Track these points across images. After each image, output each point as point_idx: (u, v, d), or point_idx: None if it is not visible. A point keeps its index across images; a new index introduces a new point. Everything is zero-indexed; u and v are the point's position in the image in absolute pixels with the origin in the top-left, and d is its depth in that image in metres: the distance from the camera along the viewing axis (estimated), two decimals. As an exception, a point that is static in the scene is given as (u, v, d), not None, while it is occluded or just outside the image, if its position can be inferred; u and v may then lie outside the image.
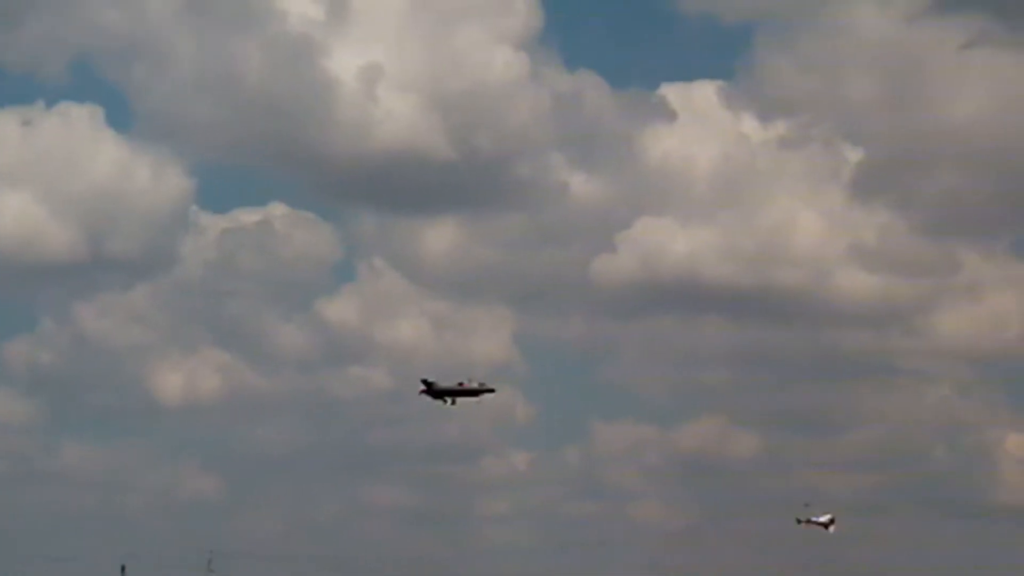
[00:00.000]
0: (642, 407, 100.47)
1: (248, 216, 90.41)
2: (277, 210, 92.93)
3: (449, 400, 60.75)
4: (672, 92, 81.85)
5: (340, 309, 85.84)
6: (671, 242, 78.89)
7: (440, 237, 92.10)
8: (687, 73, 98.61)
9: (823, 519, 60.07)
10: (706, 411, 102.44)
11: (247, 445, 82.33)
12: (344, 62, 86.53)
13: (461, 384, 61.06)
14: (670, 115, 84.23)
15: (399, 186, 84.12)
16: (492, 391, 63.42)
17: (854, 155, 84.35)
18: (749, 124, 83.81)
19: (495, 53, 71.39)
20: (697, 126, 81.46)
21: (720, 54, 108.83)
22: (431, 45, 78.11)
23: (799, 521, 61.43)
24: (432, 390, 59.99)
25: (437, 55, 78.84)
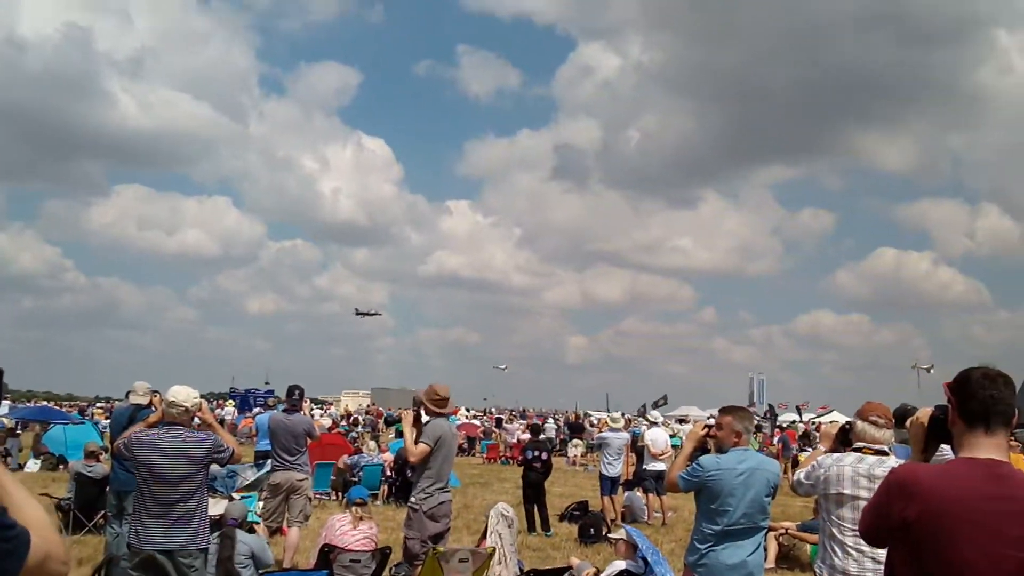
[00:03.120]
0: (429, 319, 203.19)
1: (284, 245, 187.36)
2: (300, 243, 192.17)
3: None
4: (452, 205, 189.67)
5: (324, 282, 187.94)
6: (448, 261, 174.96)
7: (361, 256, 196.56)
8: (458, 197, 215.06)
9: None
10: (458, 325, 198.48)
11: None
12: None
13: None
14: (449, 213, 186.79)
15: (357, 237, 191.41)
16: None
17: (518, 231, 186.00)
18: (479, 218, 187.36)
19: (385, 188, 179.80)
20: (459, 217, 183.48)
21: (471, 190, 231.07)
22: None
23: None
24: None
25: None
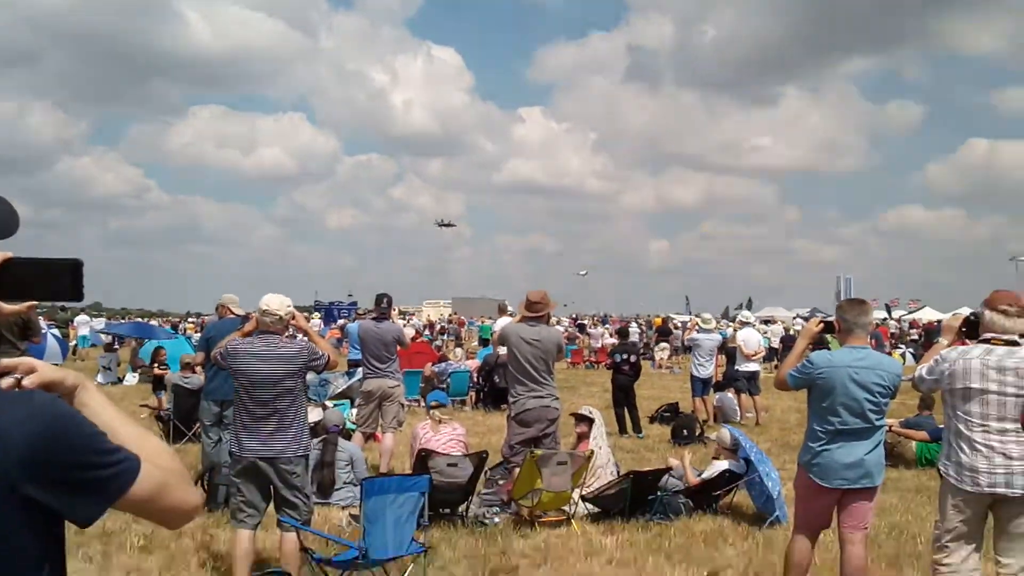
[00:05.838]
0: (506, 227, 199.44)
1: (360, 159, 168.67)
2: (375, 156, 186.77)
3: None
4: (524, 112, 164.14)
5: (400, 193, 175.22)
6: (523, 169, 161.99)
7: (436, 167, 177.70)
8: (530, 104, 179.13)
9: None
10: (535, 232, 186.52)
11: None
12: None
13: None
14: (522, 120, 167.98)
15: (430, 148, 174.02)
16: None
17: (592, 136, 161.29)
18: (553, 124, 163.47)
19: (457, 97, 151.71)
20: (532, 124, 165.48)
21: (544, 96, 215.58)
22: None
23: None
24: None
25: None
